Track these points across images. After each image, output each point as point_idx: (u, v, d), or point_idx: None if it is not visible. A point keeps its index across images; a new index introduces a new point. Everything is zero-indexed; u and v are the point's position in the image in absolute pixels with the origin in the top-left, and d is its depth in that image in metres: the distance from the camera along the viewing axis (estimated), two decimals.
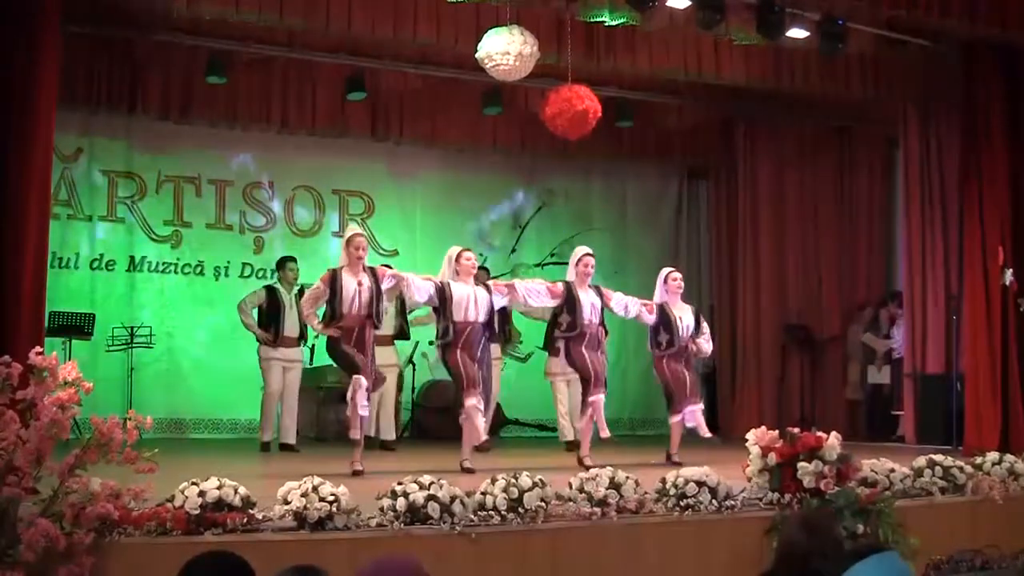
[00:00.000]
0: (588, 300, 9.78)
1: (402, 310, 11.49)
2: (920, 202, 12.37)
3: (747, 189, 14.25)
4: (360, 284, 8.83)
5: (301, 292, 11.03)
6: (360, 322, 8.76)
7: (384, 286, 9.00)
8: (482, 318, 9.16)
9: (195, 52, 11.59)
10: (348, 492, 6.02)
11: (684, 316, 10.28)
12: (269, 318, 11.25)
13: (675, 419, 10.27)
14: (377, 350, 11.20)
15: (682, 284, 10.45)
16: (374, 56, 12.10)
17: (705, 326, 10.49)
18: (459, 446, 11.59)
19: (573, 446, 11.64)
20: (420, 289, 9.16)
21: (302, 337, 11.42)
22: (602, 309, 9.99)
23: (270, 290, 11.39)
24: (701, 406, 10.35)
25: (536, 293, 9.70)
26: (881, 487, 7.52)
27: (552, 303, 9.82)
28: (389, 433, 11.67)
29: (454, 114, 13.12)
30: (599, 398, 9.84)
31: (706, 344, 10.48)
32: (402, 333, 11.71)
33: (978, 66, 11.04)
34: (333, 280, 8.76)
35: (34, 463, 5.35)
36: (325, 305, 8.79)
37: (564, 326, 9.76)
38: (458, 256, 9.29)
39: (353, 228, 9.72)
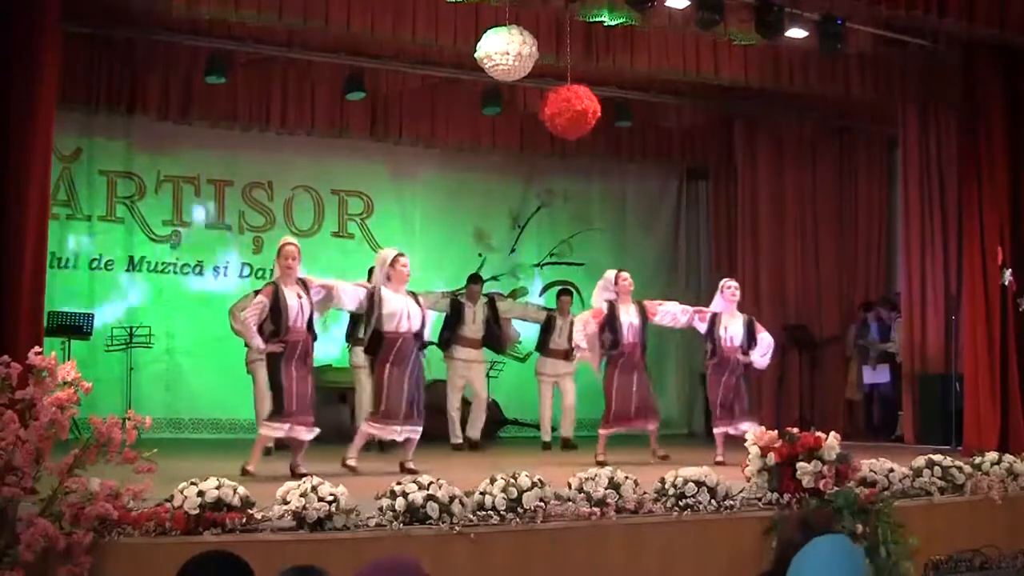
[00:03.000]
0: (629, 320, 10.10)
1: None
2: (919, 202, 12.37)
3: (746, 189, 14.25)
4: (300, 297, 8.43)
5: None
6: (303, 337, 8.43)
7: (314, 298, 8.58)
8: (415, 329, 8.83)
9: (194, 52, 11.58)
10: (347, 492, 6.02)
11: (732, 326, 10.24)
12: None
13: (717, 431, 10.24)
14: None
15: (737, 293, 10.39)
16: (373, 56, 12.10)
17: (762, 338, 10.30)
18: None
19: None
20: (350, 296, 8.80)
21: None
22: (643, 326, 10.17)
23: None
24: (750, 426, 9.28)
25: (584, 322, 10.21)
26: (880, 487, 7.51)
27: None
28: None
29: (453, 114, 13.12)
30: (610, 431, 10.15)
31: (759, 358, 10.27)
32: None
33: (977, 66, 11.03)
34: (276, 294, 8.33)
35: (33, 463, 5.36)
36: (268, 321, 8.34)
37: (607, 344, 10.14)
38: (393, 261, 8.90)
39: (285, 237, 9.19)
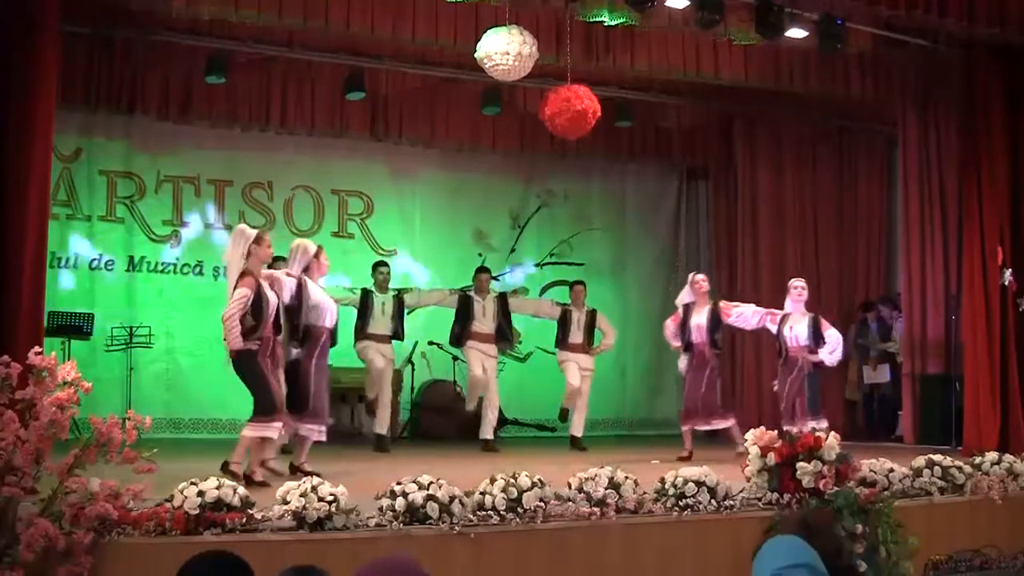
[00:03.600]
0: (696, 321, 10.63)
1: (399, 312, 11.45)
2: (919, 202, 12.37)
3: (746, 189, 14.25)
4: (271, 291, 8.06)
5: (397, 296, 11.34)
6: (273, 334, 8.05)
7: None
8: (333, 324, 8.72)
9: (194, 52, 11.57)
10: (347, 492, 6.03)
11: (797, 326, 10.28)
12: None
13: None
14: (376, 346, 11.30)
15: (803, 293, 10.41)
16: (373, 56, 12.10)
17: (829, 335, 10.25)
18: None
19: (564, 417, 12.28)
20: (287, 287, 8.41)
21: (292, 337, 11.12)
22: (711, 327, 10.58)
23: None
24: (813, 424, 9.70)
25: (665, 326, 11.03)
26: (880, 487, 7.53)
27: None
28: (383, 428, 11.45)
29: (453, 114, 13.11)
30: (692, 427, 10.64)
31: (827, 356, 10.22)
32: (396, 334, 11.57)
33: (977, 66, 11.03)
34: (259, 287, 7.87)
35: (33, 463, 5.36)
36: (248, 315, 7.80)
37: (684, 345, 10.84)
38: (318, 252, 8.60)
39: (257, 227, 8.59)
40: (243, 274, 7.83)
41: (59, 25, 9.17)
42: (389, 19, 9.95)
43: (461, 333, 11.82)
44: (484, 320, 11.78)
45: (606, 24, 10.00)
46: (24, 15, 8.61)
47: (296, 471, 8.44)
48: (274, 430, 8.01)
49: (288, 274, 8.50)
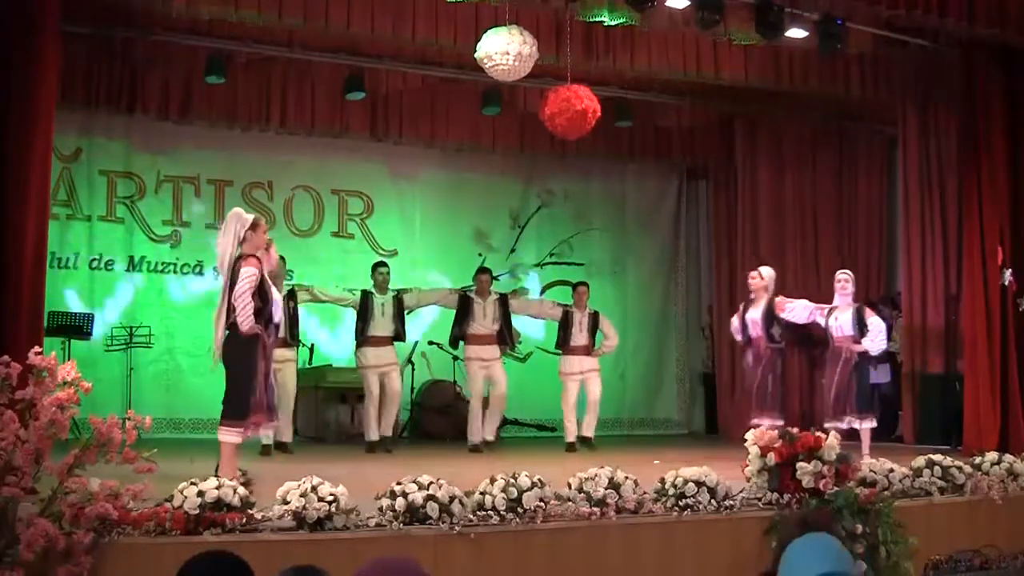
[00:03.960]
0: (751, 316, 10.68)
1: (399, 313, 11.41)
2: (919, 202, 12.37)
3: (746, 189, 14.24)
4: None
5: (291, 293, 10.90)
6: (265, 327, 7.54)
7: None
8: (279, 320, 7.87)
9: (194, 52, 11.56)
10: (347, 492, 6.03)
11: (841, 316, 10.23)
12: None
13: (827, 425, 9.85)
14: (376, 350, 11.25)
15: (847, 285, 10.33)
16: (373, 56, 12.09)
17: (872, 323, 10.10)
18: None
19: (573, 448, 11.67)
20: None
21: (294, 338, 11.00)
22: (767, 323, 10.56)
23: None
24: (854, 422, 9.92)
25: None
26: (880, 487, 7.53)
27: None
28: (388, 429, 11.38)
29: (453, 114, 13.10)
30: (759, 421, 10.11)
31: (870, 343, 10.06)
32: (398, 335, 11.54)
33: (977, 66, 11.04)
34: (262, 270, 7.49)
35: (33, 463, 5.36)
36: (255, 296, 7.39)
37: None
38: (268, 245, 7.69)
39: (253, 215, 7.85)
40: (242, 256, 7.40)
41: (59, 25, 9.18)
42: (389, 19, 9.95)
43: (460, 334, 11.78)
44: (484, 321, 11.68)
45: (606, 24, 10.01)
46: (24, 15, 8.62)
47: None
48: (239, 435, 7.47)
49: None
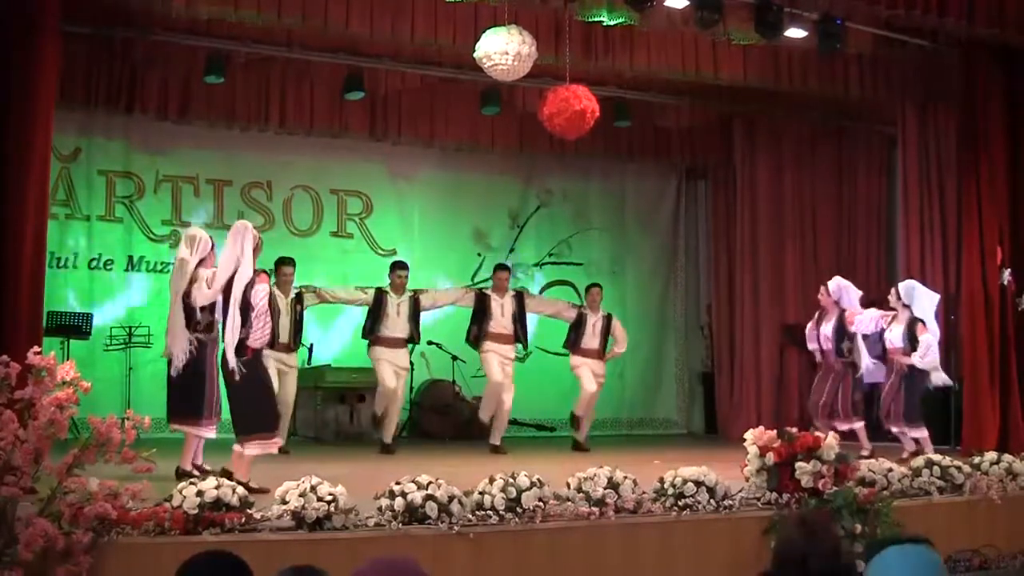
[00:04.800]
0: (822, 332, 10.90)
1: (415, 314, 11.21)
2: (919, 201, 12.37)
3: (745, 189, 14.25)
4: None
5: (298, 297, 10.82)
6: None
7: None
8: None
9: (193, 52, 11.56)
10: (346, 492, 6.02)
11: (895, 329, 10.49)
12: None
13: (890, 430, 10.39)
14: (390, 356, 11.07)
15: (896, 296, 10.58)
16: (372, 56, 12.09)
17: (923, 340, 10.27)
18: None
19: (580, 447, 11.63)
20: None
21: (297, 344, 10.89)
22: (837, 336, 10.71)
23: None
24: (907, 430, 10.32)
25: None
26: (879, 487, 7.53)
27: None
28: (388, 437, 11.18)
29: (452, 114, 13.10)
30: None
31: (918, 360, 10.26)
32: (412, 338, 11.35)
33: (976, 66, 11.04)
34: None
35: (32, 463, 5.36)
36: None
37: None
38: (257, 247, 7.77)
39: (256, 227, 8.00)
40: (260, 271, 7.90)
41: (58, 25, 9.17)
42: (388, 19, 9.95)
43: (479, 334, 11.47)
44: (502, 320, 11.42)
45: (605, 24, 10.02)
46: (24, 15, 8.61)
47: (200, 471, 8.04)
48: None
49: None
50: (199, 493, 5.73)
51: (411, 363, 13.00)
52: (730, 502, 7.06)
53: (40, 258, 8.78)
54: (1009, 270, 10.77)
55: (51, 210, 10.59)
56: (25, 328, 8.25)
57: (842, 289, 10.92)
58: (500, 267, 11.99)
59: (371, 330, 11.09)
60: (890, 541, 3.19)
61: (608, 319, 11.93)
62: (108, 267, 12.86)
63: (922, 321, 10.41)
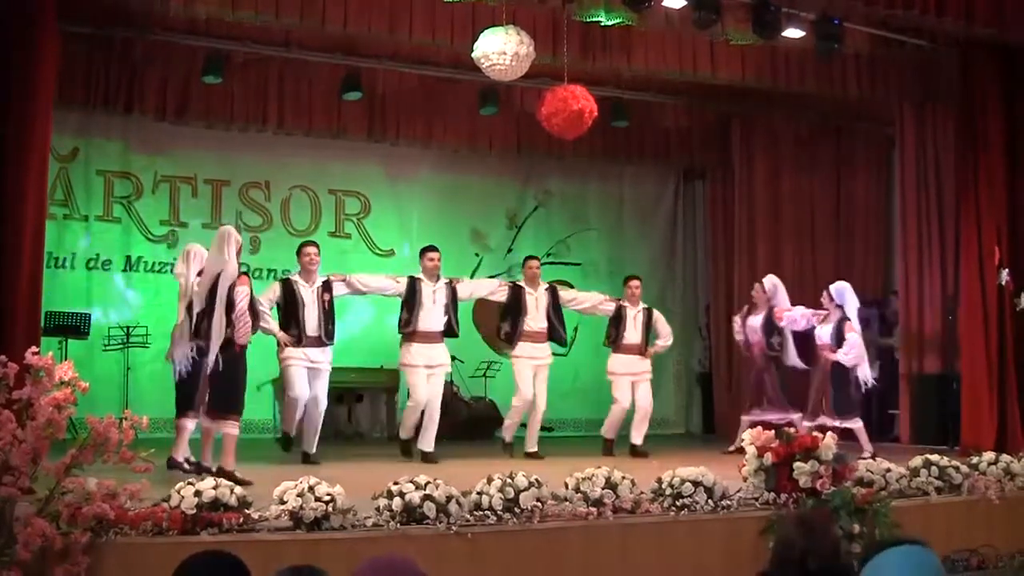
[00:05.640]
0: (749, 324, 11.77)
1: (452, 305, 10.40)
2: (917, 202, 12.37)
3: (743, 189, 14.24)
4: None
5: (326, 285, 9.98)
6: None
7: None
8: None
9: (192, 52, 11.57)
10: (344, 492, 6.03)
11: (823, 327, 11.05)
12: (288, 316, 9.79)
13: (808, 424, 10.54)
14: (426, 348, 10.29)
15: (829, 297, 11.02)
16: (370, 56, 12.10)
17: (849, 337, 10.69)
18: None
19: (610, 452, 11.21)
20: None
21: (329, 337, 9.96)
22: (766, 331, 11.46)
23: (286, 284, 9.94)
24: (837, 422, 10.49)
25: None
26: (877, 487, 7.54)
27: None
28: (430, 444, 10.26)
29: (450, 114, 13.10)
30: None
31: (842, 356, 10.70)
32: (451, 330, 10.47)
33: (975, 66, 11.04)
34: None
35: (30, 463, 5.36)
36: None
37: None
38: (239, 250, 8.28)
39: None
40: (243, 274, 8.26)
41: (57, 25, 9.18)
42: (386, 19, 9.94)
43: (512, 332, 10.75)
44: (536, 315, 10.73)
45: (603, 24, 10.01)
46: (23, 15, 8.61)
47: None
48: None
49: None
50: (197, 493, 5.73)
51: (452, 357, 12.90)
52: (728, 502, 7.07)
53: (38, 258, 8.78)
54: (1007, 270, 10.77)
55: (49, 210, 10.61)
56: (23, 328, 8.25)
57: (776, 287, 11.58)
58: (530, 257, 11.31)
59: (407, 323, 10.17)
60: (887, 544, 3.18)
61: (649, 312, 11.44)
62: (106, 267, 12.85)
63: (849, 320, 10.80)
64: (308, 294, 9.80)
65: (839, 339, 10.65)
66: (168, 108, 11.87)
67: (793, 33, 10.33)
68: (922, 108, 12.41)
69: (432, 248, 10.58)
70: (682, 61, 11.05)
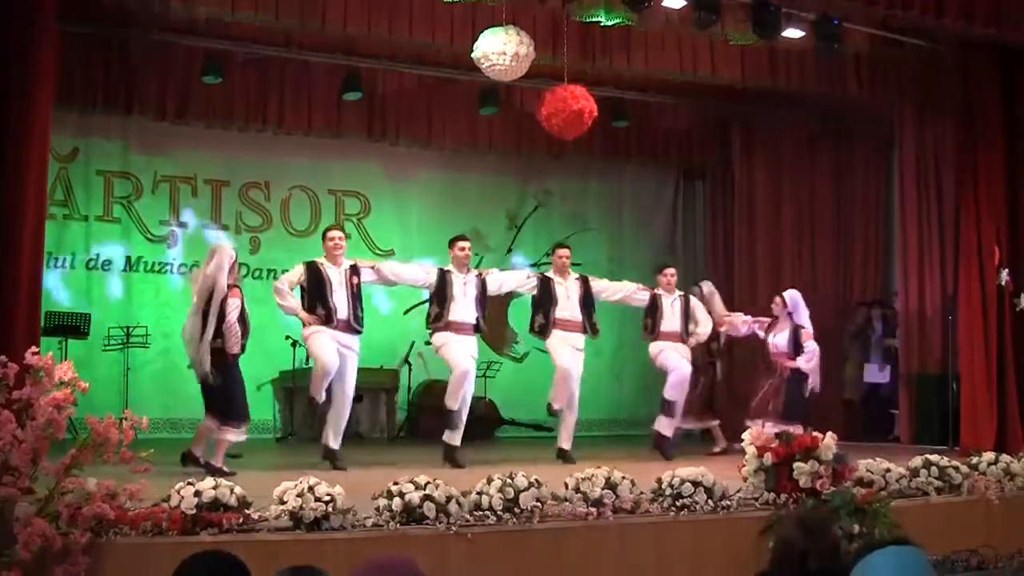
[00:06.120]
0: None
1: (482, 298, 10.07)
2: (916, 202, 12.37)
3: (743, 189, 14.24)
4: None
5: (354, 269, 9.66)
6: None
7: None
8: None
9: (191, 52, 11.57)
10: (344, 492, 6.02)
11: (779, 334, 11.24)
12: (314, 298, 9.44)
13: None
14: (462, 340, 9.96)
15: (781, 304, 11.29)
16: (370, 56, 12.10)
17: (808, 345, 11.00)
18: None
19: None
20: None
21: (358, 322, 9.63)
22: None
23: (311, 265, 9.57)
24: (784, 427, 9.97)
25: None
26: (877, 487, 7.54)
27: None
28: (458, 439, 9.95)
29: (450, 114, 13.10)
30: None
31: (803, 363, 11.01)
32: (479, 325, 10.10)
33: (974, 66, 11.04)
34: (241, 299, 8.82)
35: (30, 463, 5.36)
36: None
37: None
38: (233, 265, 8.93)
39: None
40: (233, 286, 8.66)
41: (57, 25, 9.17)
42: (386, 19, 9.95)
43: (546, 323, 10.37)
44: (568, 305, 10.37)
45: (603, 24, 10.02)
46: (23, 15, 8.61)
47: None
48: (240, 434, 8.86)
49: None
50: (197, 493, 5.73)
51: (407, 361, 13.01)
52: (728, 502, 7.06)
53: (38, 258, 8.78)
54: (1007, 270, 10.77)
55: (49, 210, 10.61)
56: (23, 328, 8.26)
57: (797, 303, 11.33)
58: (560, 245, 10.98)
59: (439, 317, 9.86)
60: (877, 544, 3.18)
61: (686, 299, 11.15)
62: (106, 267, 12.86)
63: (804, 328, 11.01)
64: (336, 275, 9.47)
65: (796, 347, 10.91)
66: (168, 108, 11.87)
67: (793, 33, 10.33)
68: (922, 108, 12.42)
69: (463, 237, 10.30)
70: (682, 61, 11.06)
